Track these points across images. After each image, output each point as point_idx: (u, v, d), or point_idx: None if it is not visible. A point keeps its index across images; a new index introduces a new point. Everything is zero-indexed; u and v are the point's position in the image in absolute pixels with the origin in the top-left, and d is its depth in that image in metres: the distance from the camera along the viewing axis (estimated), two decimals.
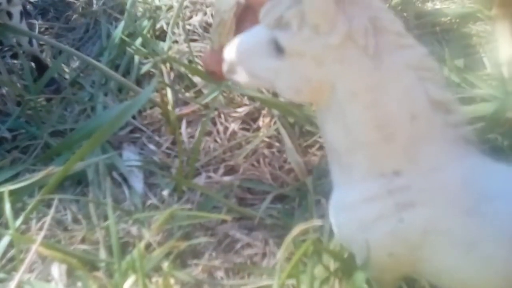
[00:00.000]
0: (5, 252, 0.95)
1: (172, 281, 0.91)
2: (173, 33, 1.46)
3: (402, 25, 0.66)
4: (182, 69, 1.35)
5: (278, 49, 0.65)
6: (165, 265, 0.92)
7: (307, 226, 0.85)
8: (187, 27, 1.47)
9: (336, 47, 0.63)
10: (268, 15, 0.66)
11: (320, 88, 0.66)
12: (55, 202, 0.94)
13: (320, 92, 0.66)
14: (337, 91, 0.65)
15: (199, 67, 1.31)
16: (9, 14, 1.28)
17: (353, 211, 0.70)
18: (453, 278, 0.68)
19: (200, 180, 1.13)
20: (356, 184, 0.69)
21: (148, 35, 1.46)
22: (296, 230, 0.76)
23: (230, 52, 0.71)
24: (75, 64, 1.47)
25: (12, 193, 0.95)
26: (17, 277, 0.80)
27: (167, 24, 1.49)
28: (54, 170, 1.00)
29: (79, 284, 0.91)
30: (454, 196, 0.66)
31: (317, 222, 0.93)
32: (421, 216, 0.66)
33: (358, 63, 0.64)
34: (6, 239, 0.90)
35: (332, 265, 0.84)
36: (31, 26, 1.53)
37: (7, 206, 0.89)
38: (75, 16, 1.65)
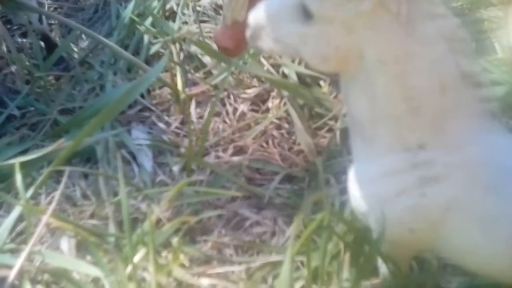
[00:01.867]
0: (14, 226, 0.96)
1: (181, 256, 0.91)
2: (183, 14, 1.46)
3: None
4: (192, 50, 1.35)
5: (306, 14, 0.64)
6: (175, 240, 0.93)
7: (318, 198, 0.87)
8: (197, 8, 1.46)
9: (367, 14, 0.61)
10: None
11: (348, 56, 0.64)
12: (65, 176, 0.94)
13: (348, 61, 0.65)
14: (366, 59, 0.64)
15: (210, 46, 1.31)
16: None
17: (374, 185, 0.69)
18: (473, 255, 0.68)
19: (209, 160, 1.13)
20: (378, 157, 0.68)
21: (158, 16, 1.45)
22: (309, 202, 0.76)
23: (255, 16, 0.69)
24: (84, 43, 1.47)
25: (21, 166, 0.95)
26: (28, 246, 0.80)
27: (177, 5, 1.48)
28: (64, 144, 1.00)
29: (88, 257, 0.91)
30: (477, 172, 0.65)
31: (327, 199, 0.94)
32: (444, 191, 0.65)
33: (389, 31, 0.62)
34: (17, 210, 0.90)
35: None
36: (40, 6, 1.53)
37: (18, 178, 0.89)
38: None
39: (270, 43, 0.68)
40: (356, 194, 0.72)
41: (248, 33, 0.71)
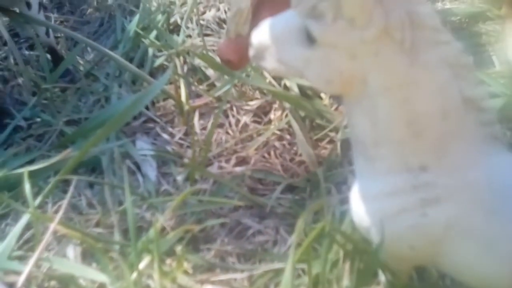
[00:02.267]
0: (21, 235, 0.98)
1: (185, 264, 0.93)
2: (187, 28, 1.49)
3: (439, 20, 0.64)
4: (196, 63, 1.37)
5: (310, 38, 0.64)
6: (178, 249, 0.94)
7: (319, 207, 0.88)
8: (201, 22, 1.49)
9: (371, 41, 0.62)
10: (300, 3, 0.64)
11: (352, 81, 0.65)
12: (73, 184, 0.96)
13: (351, 85, 0.65)
14: (369, 84, 0.64)
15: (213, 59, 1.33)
16: (28, 4, 1.30)
17: (376, 203, 0.70)
18: (473, 273, 0.68)
19: (212, 170, 1.14)
20: (380, 176, 0.69)
21: (162, 29, 1.48)
22: (310, 210, 0.77)
23: (258, 36, 0.69)
24: (90, 56, 1.50)
25: (28, 176, 0.97)
26: (37, 252, 0.82)
27: (181, 18, 1.51)
28: (71, 154, 1.02)
29: (94, 265, 0.93)
30: (478, 194, 0.65)
31: (328, 208, 0.96)
32: (445, 212, 0.66)
33: (393, 58, 0.62)
34: (25, 218, 0.92)
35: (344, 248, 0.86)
36: (47, 19, 1.56)
37: (27, 186, 0.91)
38: (90, 10, 1.68)
39: (274, 64, 0.68)
40: (358, 210, 0.73)
41: (251, 52, 0.71)
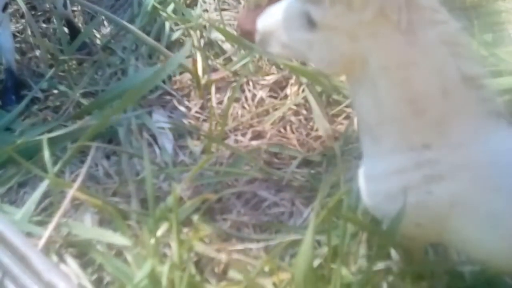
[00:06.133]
0: (39, 203, 0.99)
1: (201, 233, 0.93)
2: (204, 2, 1.49)
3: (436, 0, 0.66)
4: (212, 37, 1.37)
5: (311, 22, 0.66)
6: (195, 218, 0.95)
7: (336, 180, 0.89)
8: None
9: (369, 23, 0.64)
10: None
11: (353, 62, 0.67)
12: (92, 151, 0.96)
13: (353, 66, 0.67)
14: (370, 65, 0.66)
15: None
16: None
17: (381, 181, 0.72)
18: (478, 249, 0.70)
19: (229, 143, 1.15)
20: (385, 155, 0.71)
21: (180, 3, 1.48)
22: (327, 182, 0.77)
23: (262, 23, 0.72)
24: (106, 30, 1.49)
25: (47, 144, 0.98)
26: (56, 216, 0.83)
27: None
28: (90, 122, 1.02)
29: (111, 232, 0.93)
30: (482, 170, 0.67)
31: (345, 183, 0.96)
32: (449, 189, 0.68)
33: (391, 39, 0.65)
34: (44, 184, 0.92)
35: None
36: None
37: (46, 153, 0.92)
38: None
39: (279, 48, 0.72)
40: (366, 190, 0.74)
41: (257, 38, 0.74)
